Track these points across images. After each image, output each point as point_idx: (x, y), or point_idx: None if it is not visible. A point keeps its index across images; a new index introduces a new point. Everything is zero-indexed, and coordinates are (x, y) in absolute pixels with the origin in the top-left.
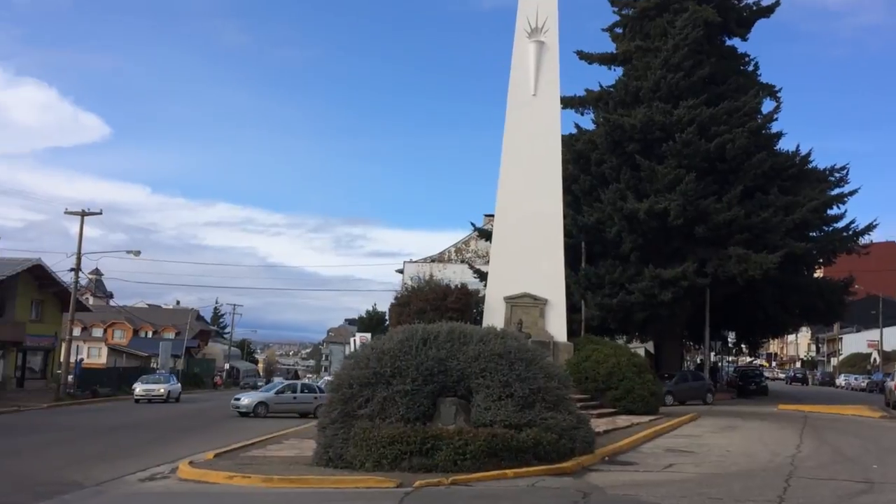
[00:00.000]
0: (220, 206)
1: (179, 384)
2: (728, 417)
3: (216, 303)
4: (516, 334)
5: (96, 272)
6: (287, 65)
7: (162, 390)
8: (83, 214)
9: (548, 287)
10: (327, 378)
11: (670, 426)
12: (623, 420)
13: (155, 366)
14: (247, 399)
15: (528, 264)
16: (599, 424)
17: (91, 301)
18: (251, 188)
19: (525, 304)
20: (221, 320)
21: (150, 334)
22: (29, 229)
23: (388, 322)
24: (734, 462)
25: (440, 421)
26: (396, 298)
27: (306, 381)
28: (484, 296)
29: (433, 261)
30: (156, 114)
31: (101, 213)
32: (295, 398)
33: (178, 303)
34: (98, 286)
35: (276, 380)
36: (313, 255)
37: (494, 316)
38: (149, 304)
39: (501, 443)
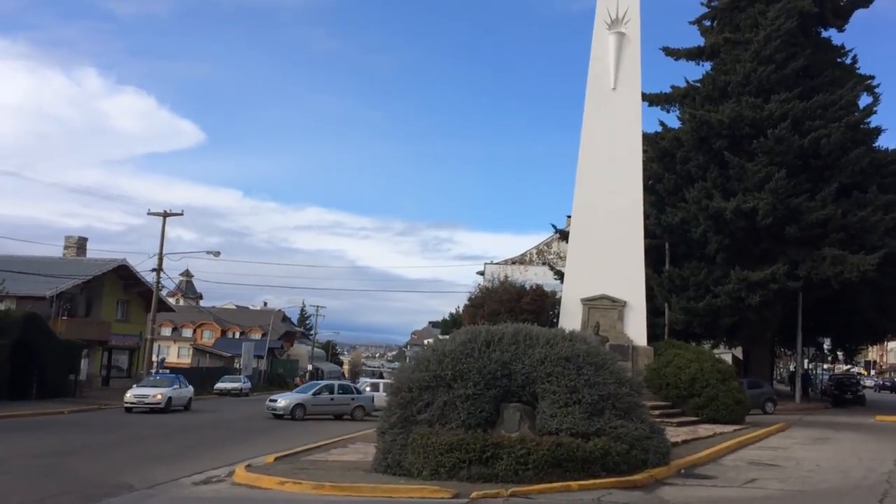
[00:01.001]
0: (310, 209)
1: (190, 388)
2: (820, 428)
3: (303, 304)
4: (586, 337)
5: (187, 274)
6: (375, 70)
7: (158, 396)
8: (165, 215)
9: (627, 289)
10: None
11: (756, 437)
12: (705, 429)
13: (238, 366)
14: (284, 401)
15: (607, 265)
16: (679, 434)
17: (181, 302)
18: (340, 192)
19: (603, 307)
20: (308, 322)
21: (237, 335)
22: (129, 233)
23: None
24: (823, 478)
25: (503, 428)
26: (470, 300)
27: (343, 381)
28: (561, 297)
29: (514, 263)
30: (248, 119)
31: (182, 214)
32: (332, 399)
33: (265, 304)
34: (188, 287)
35: (320, 381)
36: (400, 258)
37: (571, 318)
38: (237, 306)
39: (567, 452)
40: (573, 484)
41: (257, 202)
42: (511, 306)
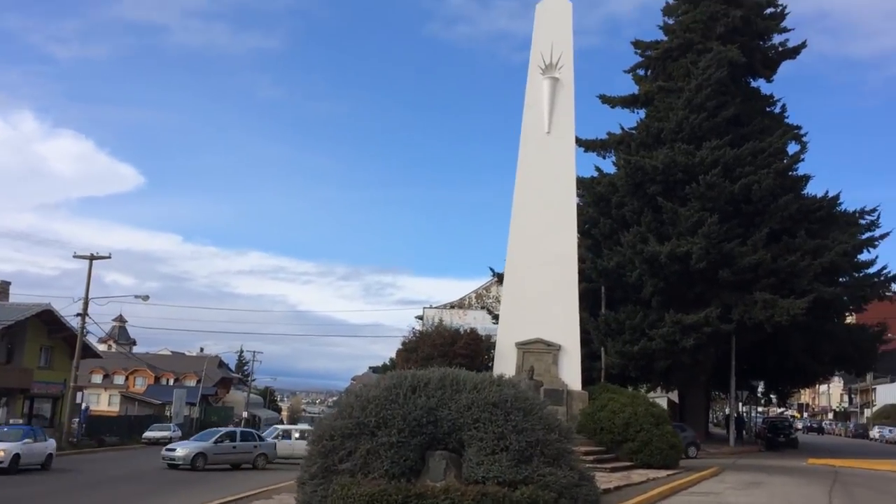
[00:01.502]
0: (252, 254)
1: (51, 442)
2: (753, 472)
3: (241, 350)
4: (514, 381)
5: (120, 319)
6: (319, 117)
7: (1, 453)
8: (91, 258)
9: (562, 332)
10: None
11: (689, 482)
12: (639, 475)
13: (169, 414)
14: (183, 450)
15: (541, 308)
16: (612, 480)
17: (114, 348)
18: (283, 237)
19: (538, 350)
20: (246, 368)
21: (171, 382)
22: (63, 277)
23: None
24: None
25: (429, 477)
26: (404, 344)
27: (246, 429)
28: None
29: (453, 307)
30: (189, 164)
31: (109, 257)
32: (235, 448)
33: (201, 350)
34: (121, 333)
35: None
36: (343, 303)
37: (506, 362)
38: (172, 352)
39: (492, 502)
40: None
41: (198, 247)
42: (445, 350)
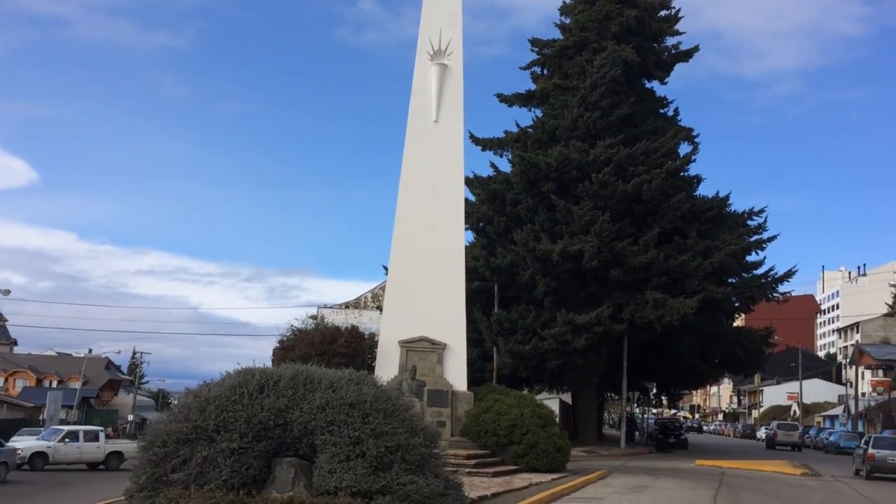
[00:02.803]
0: (152, 254)
1: None
2: (640, 475)
3: (133, 351)
4: (372, 379)
5: None
6: (221, 118)
7: None
8: None
9: (448, 330)
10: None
11: (573, 486)
12: (522, 479)
13: (43, 418)
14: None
15: (427, 306)
16: (491, 486)
17: None
18: (185, 238)
19: (422, 349)
20: (140, 369)
21: (54, 384)
22: None
23: None
24: None
25: (274, 487)
26: (281, 343)
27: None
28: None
29: (349, 307)
30: (86, 161)
31: None
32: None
33: (90, 351)
34: (1, 332)
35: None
36: (247, 305)
37: (389, 361)
38: (58, 353)
39: None
40: None
41: (94, 245)
42: (324, 349)
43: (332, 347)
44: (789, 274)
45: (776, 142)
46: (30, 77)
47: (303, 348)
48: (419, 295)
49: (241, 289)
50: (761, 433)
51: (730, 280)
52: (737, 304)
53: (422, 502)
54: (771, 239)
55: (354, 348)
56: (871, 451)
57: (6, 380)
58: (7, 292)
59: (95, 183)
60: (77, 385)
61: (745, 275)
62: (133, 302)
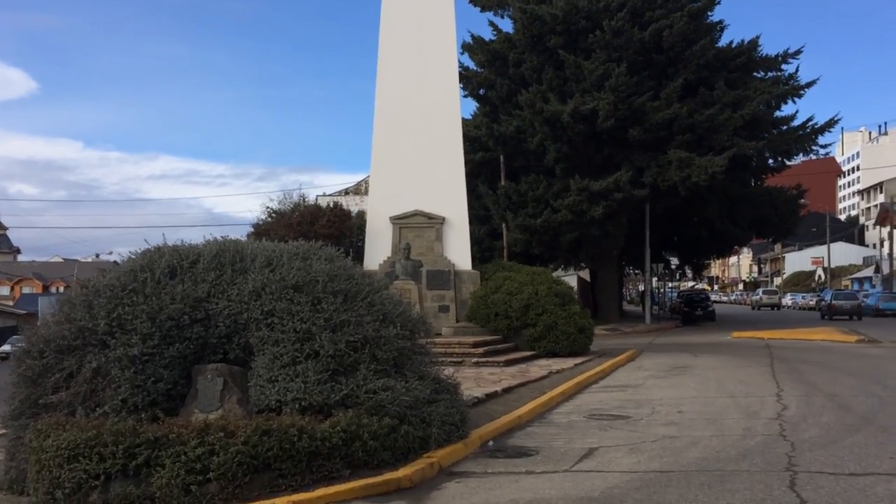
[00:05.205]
0: (162, 158)
1: None
2: (674, 353)
3: None
4: (326, 252)
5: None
6: (220, 13)
7: None
8: None
9: (446, 202)
10: None
11: (601, 372)
12: (539, 367)
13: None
14: None
15: (421, 174)
16: (503, 378)
17: None
18: (194, 140)
19: (417, 225)
20: None
21: (61, 290)
22: None
23: None
24: (691, 438)
25: (197, 406)
26: (254, 227)
27: None
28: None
29: (347, 193)
30: (86, 68)
31: None
32: None
33: (97, 256)
34: (3, 241)
35: None
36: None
37: (379, 241)
38: (64, 259)
39: (279, 444)
40: (280, 501)
41: (102, 153)
42: (304, 230)
43: (313, 229)
44: (831, 123)
45: None
46: None
47: (279, 231)
48: (411, 162)
49: (255, 188)
50: (787, 300)
51: (762, 136)
52: (770, 162)
53: (401, 416)
54: (809, 84)
55: (339, 228)
56: None
57: (12, 288)
58: None
59: (96, 90)
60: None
61: (780, 128)
62: (146, 207)
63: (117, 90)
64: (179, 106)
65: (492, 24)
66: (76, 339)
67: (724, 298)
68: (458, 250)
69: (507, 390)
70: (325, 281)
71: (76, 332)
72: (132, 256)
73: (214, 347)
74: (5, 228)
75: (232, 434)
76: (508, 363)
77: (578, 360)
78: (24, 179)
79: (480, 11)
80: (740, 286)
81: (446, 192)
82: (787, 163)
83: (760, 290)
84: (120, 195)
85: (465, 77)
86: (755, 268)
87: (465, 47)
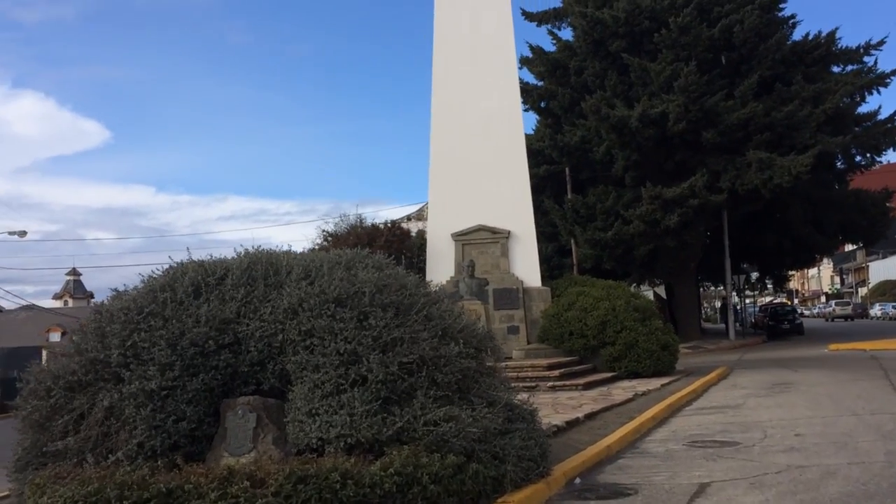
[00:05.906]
0: (231, 199)
1: None
2: (769, 368)
3: None
4: (373, 261)
5: (73, 273)
6: (287, 58)
7: None
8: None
9: (510, 216)
10: None
11: (692, 392)
12: (622, 390)
13: None
14: None
15: (482, 187)
16: (583, 402)
17: (70, 303)
18: (260, 180)
19: (480, 241)
20: None
21: None
22: (47, 239)
23: None
24: (825, 468)
25: (226, 447)
26: (313, 252)
27: None
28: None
29: (410, 219)
30: (156, 115)
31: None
32: None
33: None
34: (77, 287)
35: None
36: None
37: (442, 259)
38: None
39: (319, 494)
40: None
41: (173, 196)
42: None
43: (372, 249)
44: None
45: None
46: (96, 41)
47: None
48: (472, 175)
49: (322, 224)
50: (876, 311)
51: (845, 133)
52: (858, 160)
53: (468, 449)
54: (895, 72)
55: (398, 248)
56: None
57: None
58: (24, 233)
59: (165, 136)
60: None
61: (863, 125)
62: (219, 249)
63: (185, 134)
64: (243, 147)
65: (551, 33)
66: (87, 374)
67: (806, 312)
68: (526, 266)
69: (589, 416)
70: (373, 292)
71: (87, 365)
72: (153, 276)
73: (246, 377)
74: (79, 274)
75: (261, 483)
76: (587, 386)
77: (664, 380)
78: (101, 227)
79: (537, 26)
80: (822, 298)
81: (510, 205)
82: (877, 159)
83: (833, 302)
84: (191, 237)
85: (525, 90)
86: (836, 279)
87: (524, 61)
